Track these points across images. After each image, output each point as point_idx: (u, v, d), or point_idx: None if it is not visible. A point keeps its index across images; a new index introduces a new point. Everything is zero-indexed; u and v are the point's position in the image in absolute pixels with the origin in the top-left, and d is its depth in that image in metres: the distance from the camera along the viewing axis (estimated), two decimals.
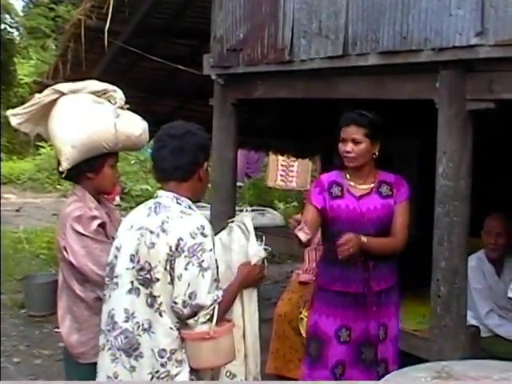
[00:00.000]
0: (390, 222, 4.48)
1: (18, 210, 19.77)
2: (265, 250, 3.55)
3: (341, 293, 4.49)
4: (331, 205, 4.49)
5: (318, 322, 4.58)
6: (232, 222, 3.74)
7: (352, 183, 4.54)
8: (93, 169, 3.83)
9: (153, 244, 3.12)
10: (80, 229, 3.66)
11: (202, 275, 3.07)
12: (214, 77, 6.01)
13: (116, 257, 3.28)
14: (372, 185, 4.53)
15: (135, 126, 3.93)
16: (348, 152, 4.43)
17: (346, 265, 4.37)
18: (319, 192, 4.54)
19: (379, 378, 4.41)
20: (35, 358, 7.33)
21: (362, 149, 4.42)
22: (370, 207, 4.48)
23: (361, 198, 4.49)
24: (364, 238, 4.28)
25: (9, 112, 4.00)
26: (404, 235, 4.51)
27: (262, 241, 3.59)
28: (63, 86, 3.91)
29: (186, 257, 3.07)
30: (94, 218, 3.72)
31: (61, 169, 3.84)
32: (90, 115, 3.81)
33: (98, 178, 3.85)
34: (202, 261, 3.07)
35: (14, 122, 3.98)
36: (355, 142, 4.41)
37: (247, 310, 3.53)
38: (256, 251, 3.51)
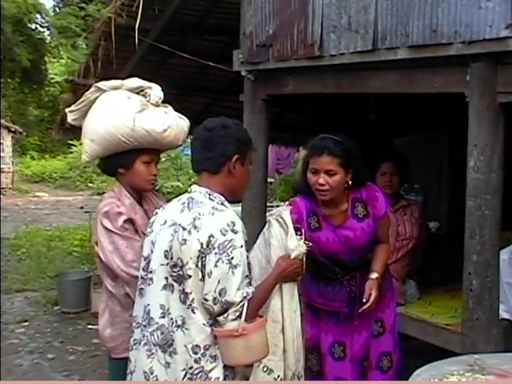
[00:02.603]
0: (372, 242, 4.32)
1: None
2: (305, 244, 3.51)
3: (325, 310, 4.38)
4: (311, 236, 4.06)
5: (317, 334, 4.42)
6: (271, 215, 3.68)
7: (326, 212, 4.25)
8: (123, 164, 3.85)
9: (184, 240, 3.12)
10: (108, 224, 3.70)
11: (232, 272, 3.06)
12: (244, 73, 6.01)
13: (152, 251, 3.29)
14: (346, 206, 4.24)
15: (157, 122, 3.83)
16: (321, 185, 4.08)
17: (329, 281, 4.29)
18: (297, 219, 3.99)
19: (386, 372, 4.42)
20: (69, 354, 7.43)
21: (337, 180, 4.07)
22: (350, 235, 4.22)
23: (338, 227, 4.24)
24: (375, 276, 4.17)
25: (67, 109, 4.09)
26: (389, 240, 4.55)
27: (301, 234, 3.55)
28: (104, 84, 3.96)
29: (216, 254, 3.06)
30: (120, 214, 3.74)
31: (81, 161, 3.94)
32: (111, 110, 3.83)
33: (129, 173, 3.85)
34: (232, 258, 3.06)
35: (70, 118, 4.06)
36: (329, 173, 4.06)
37: (287, 307, 3.50)
38: (297, 245, 3.48)
